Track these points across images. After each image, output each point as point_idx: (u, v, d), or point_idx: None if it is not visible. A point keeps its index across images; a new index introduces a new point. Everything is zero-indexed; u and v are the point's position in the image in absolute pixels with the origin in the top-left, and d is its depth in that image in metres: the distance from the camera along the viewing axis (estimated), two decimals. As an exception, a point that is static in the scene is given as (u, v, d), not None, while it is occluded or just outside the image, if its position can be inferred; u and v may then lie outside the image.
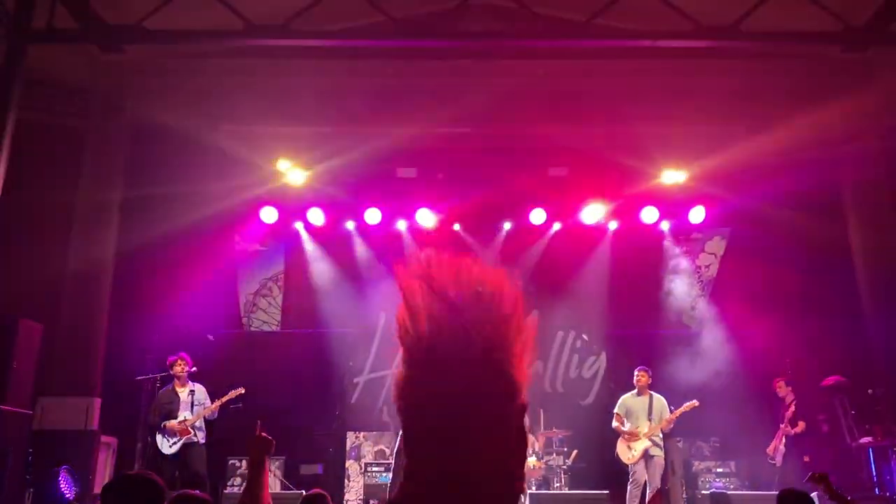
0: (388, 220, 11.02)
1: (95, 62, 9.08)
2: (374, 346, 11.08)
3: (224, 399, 8.22)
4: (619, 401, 8.71)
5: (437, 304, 1.01)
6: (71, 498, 6.62)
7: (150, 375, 8.33)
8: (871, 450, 8.71)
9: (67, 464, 7.22)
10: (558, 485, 8.82)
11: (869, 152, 9.47)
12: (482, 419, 0.99)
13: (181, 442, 8.07)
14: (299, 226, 11.08)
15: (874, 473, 8.69)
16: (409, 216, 11.00)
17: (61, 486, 6.61)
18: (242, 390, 8.36)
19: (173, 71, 9.46)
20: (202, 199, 10.01)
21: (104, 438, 8.65)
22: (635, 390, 8.63)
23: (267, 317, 11.29)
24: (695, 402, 8.43)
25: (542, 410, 9.91)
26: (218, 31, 7.95)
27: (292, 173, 10.31)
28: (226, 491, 8.32)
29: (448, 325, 1.00)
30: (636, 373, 8.65)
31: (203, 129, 9.53)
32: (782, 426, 8.71)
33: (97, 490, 7.89)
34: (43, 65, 8.29)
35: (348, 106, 9.64)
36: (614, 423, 8.59)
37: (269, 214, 10.80)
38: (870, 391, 8.66)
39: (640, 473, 8.28)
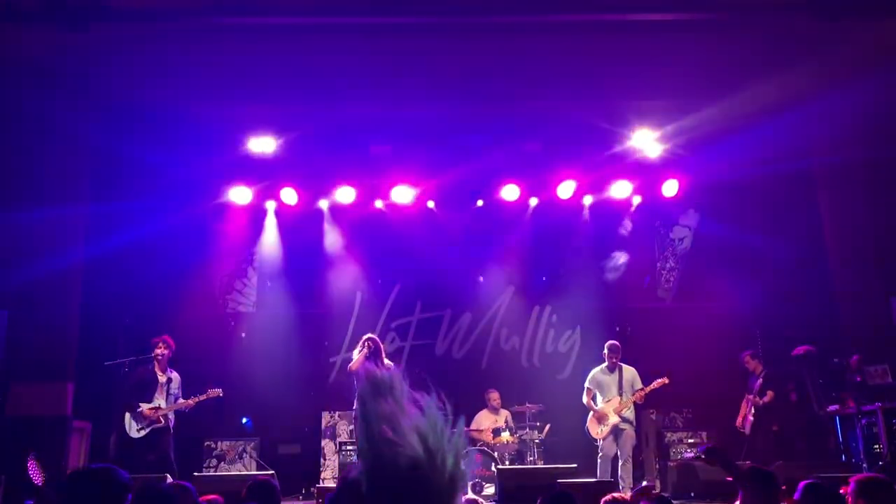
0: (362, 198, 10.94)
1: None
2: (350, 326, 11.09)
3: (201, 398, 8.19)
4: (590, 375, 8.78)
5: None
6: (39, 484, 6.64)
7: (120, 360, 8.28)
8: (837, 418, 8.84)
9: (39, 450, 7.21)
10: (531, 458, 8.91)
11: (837, 123, 9.42)
12: None
13: (149, 427, 8.06)
14: (271, 205, 10.99)
15: (840, 441, 8.84)
16: (384, 193, 10.93)
17: (29, 472, 6.63)
18: (220, 392, 8.32)
19: (138, 49, 9.26)
20: (171, 180, 9.94)
21: (77, 423, 8.62)
22: (605, 364, 8.70)
23: (243, 298, 11.26)
24: (665, 380, 8.48)
25: (516, 386, 10.01)
26: (186, 8, 7.79)
27: (264, 144, 10.05)
28: (201, 473, 8.35)
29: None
30: (606, 348, 8.72)
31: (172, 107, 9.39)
32: (750, 397, 8.81)
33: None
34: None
35: (322, 83, 9.49)
36: (585, 399, 8.66)
37: (240, 195, 10.70)
38: (836, 360, 8.76)
39: (608, 448, 8.39)
